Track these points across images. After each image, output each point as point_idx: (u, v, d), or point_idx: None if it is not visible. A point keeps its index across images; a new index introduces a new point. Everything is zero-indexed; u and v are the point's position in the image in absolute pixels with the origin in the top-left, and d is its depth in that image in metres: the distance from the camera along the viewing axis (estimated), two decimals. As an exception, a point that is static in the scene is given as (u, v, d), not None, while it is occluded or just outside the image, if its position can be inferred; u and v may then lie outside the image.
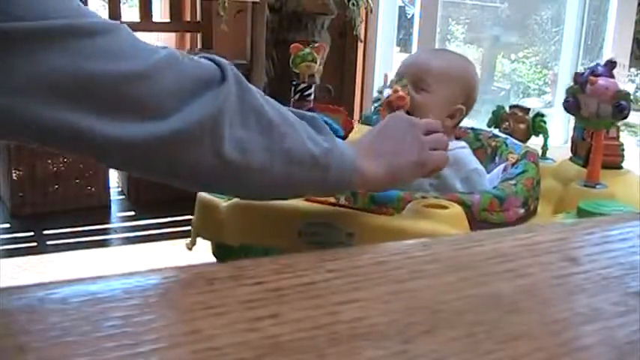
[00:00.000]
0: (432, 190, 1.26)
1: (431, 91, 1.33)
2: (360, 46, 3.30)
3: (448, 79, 1.35)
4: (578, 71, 1.33)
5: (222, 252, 1.27)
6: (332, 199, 1.22)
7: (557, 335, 0.29)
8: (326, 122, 1.16)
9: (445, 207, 1.12)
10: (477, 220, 1.17)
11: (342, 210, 1.13)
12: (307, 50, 1.61)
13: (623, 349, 0.28)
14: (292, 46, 1.61)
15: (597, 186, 1.30)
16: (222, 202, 1.23)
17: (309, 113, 0.94)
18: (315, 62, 1.62)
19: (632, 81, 4.42)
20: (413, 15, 3.42)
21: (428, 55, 1.46)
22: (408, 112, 1.32)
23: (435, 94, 1.33)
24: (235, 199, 1.20)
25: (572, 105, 1.31)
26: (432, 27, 3.21)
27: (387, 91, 1.36)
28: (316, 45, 1.66)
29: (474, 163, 1.35)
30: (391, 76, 1.44)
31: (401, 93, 1.32)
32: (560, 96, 3.43)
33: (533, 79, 4.12)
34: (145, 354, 0.26)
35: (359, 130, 1.42)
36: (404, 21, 3.60)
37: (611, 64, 1.30)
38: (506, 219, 1.21)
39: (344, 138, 1.21)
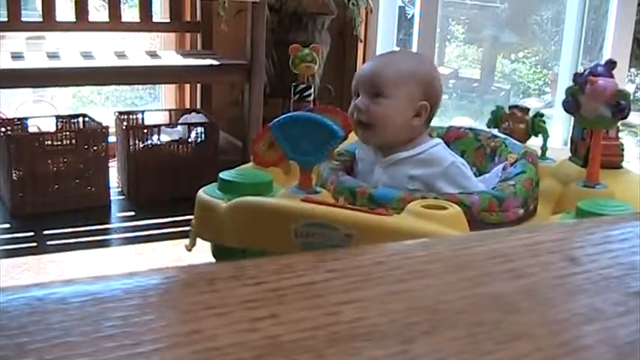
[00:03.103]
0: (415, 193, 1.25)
1: (387, 96, 1.31)
2: (360, 46, 3.30)
3: (402, 79, 1.33)
4: (578, 71, 1.33)
5: (221, 253, 1.27)
6: (331, 200, 1.22)
7: (558, 335, 0.29)
8: (328, 123, 1.16)
9: (444, 208, 1.12)
10: (477, 220, 1.17)
11: (340, 210, 1.13)
12: (307, 51, 1.61)
13: (623, 349, 0.28)
14: (291, 47, 1.61)
15: (597, 186, 1.30)
16: (222, 202, 1.22)
17: None
18: (315, 63, 1.62)
19: (632, 81, 4.42)
20: (413, 15, 3.42)
21: (376, 62, 1.43)
22: (368, 125, 1.32)
23: (392, 98, 1.31)
24: (235, 200, 1.19)
25: (571, 105, 1.31)
26: (432, 27, 3.21)
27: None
28: (312, 46, 1.66)
29: (450, 157, 1.33)
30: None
31: (360, 106, 1.32)
32: (561, 96, 3.42)
33: (533, 79, 4.12)
34: (145, 354, 0.26)
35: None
36: (404, 21, 3.59)
37: (610, 64, 1.30)
38: (506, 219, 1.21)
39: (345, 138, 1.21)
